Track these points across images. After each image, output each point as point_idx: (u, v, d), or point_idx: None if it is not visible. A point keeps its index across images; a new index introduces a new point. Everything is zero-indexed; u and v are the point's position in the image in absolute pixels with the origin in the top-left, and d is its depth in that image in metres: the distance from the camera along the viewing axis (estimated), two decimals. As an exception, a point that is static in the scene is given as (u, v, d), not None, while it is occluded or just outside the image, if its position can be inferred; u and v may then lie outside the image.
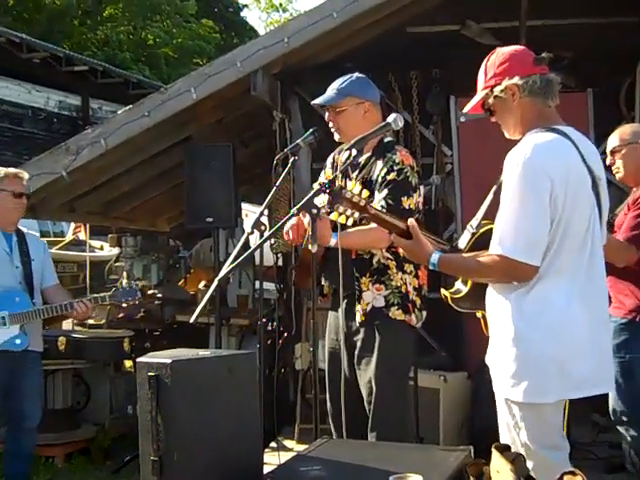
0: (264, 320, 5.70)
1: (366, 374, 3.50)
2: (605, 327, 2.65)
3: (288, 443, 4.94)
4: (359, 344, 3.49)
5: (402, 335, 3.54)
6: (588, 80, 5.65)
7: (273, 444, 4.70)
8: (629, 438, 3.55)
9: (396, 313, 3.50)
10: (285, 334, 5.32)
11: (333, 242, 3.27)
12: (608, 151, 3.68)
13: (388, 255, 3.48)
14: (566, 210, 2.46)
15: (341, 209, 2.62)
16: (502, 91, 2.58)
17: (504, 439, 2.58)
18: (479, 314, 2.72)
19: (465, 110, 2.74)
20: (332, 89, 3.61)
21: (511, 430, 2.57)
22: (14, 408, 4.23)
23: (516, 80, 2.55)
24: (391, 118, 3.19)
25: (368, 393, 3.49)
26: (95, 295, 4.23)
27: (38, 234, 4.80)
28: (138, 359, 2.67)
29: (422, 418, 4.30)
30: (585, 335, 2.51)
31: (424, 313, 3.60)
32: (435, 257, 2.60)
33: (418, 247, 2.63)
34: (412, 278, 3.50)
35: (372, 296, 3.50)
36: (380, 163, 3.49)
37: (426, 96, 5.95)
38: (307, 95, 5.76)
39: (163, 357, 2.63)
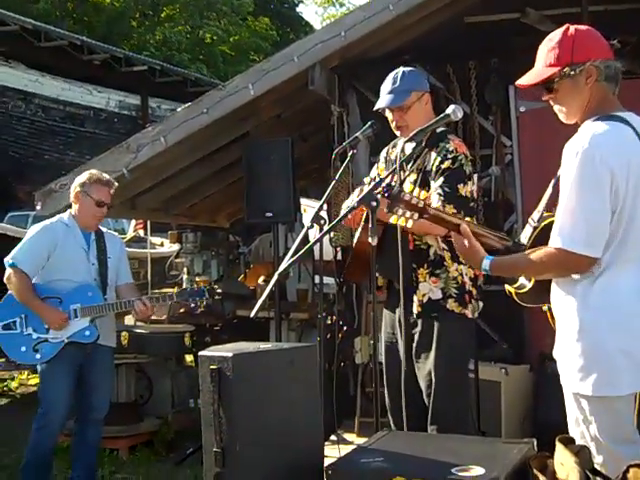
0: (324, 314, 5.71)
1: (425, 367, 3.48)
2: None
3: (348, 436, 4.94)
4: (417, 337, 3.47)
5: (460, 327, 3.52)
6: (651, 66, 5.48)
7: (333, 437, 4.70)
8: None
9: (453, 305, 3.49)
10: (345, 328, 5.32)
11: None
12: None
13: (444, 246, 3.46)
14: (628, 200, 2.40)
15: (400, 212, 2.60)
16: (581, 70, 2.45)
17: (573, 434, 2.52)
18: (545, 307, 2.67)
19: (520, 81, 2.59)
20: (392, 89, 3.59)
21: (580, 425, 2.51)
22: (83, 400, 4.33)
23: (598, 62, 2.45)
24: (450, 109, 3.17)
25: (427, 386, 3.47)
26: (159, 295, 4.29)
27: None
28: (200, 352, 2.71)
29: (483, 411, 4.25)
30: None
31: (480, 304, 3.57)
32: (486, 263, 2.57)
33: (471, 252, 2.61)
34: (468, 269, 3.47)
35: (428, 288, 3.49)
36: (434, 153, 3.48)
37: (485, 87, 5.85)
38: (365, 89, 5.74)
39: (225, 350, 2.66)
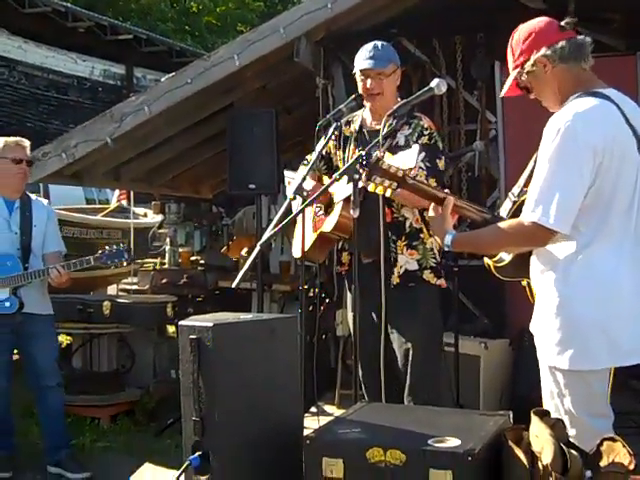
0: (306, 286, 5.72)
1: (401, 337, 3.53)
2: None
3: (328, 408, 4.98)
4: (394, 307, 3.50)
5: (436, 298, 3.62)
6: (637, 43, 5.47)
7: (313, 409, 4.73)
8: None
9: (429, 276, 3.58)
10: (327, 300, 5.34)
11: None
12: None
13: (420, 218, 3.54)
14: (611, 176, 2.42)
15: (378, 180, 2.61)
16: (532, 65, 2.55)
17: (548, 407, 2.55)
18: (524, 282, 2.69)
19: (501, 95, 2.73)
20: (372, 55, 3.63)
21: (555, 398, 2.55)
22: (29, 369, 4.37)
23: (543, 51, 2.52)
24: (434, 83, 3.18)
25: (404, 356, 3.52)
26: (76, 260, 4.22)
27: (84, 201, 4.86)
28: (180, 322, 2.72)
29: (462, 385, 4.29)
30: (633, 300, 2.48)
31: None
32: (448, 239, 2.60)
33: (438, 224, 2.64)
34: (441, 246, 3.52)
35: (405, 260, 3.57)
36: (407, 129, 3.55)
37: (471, 62, 5.85)
38: (350, 62, 5.63)
39: (205, 320, 2.67)
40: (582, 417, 2.51)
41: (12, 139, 4.39)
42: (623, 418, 4.27)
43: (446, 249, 2.67)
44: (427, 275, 3.57)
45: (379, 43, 3.68)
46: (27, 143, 4.45)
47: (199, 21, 22.57)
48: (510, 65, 2.64)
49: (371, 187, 2.66)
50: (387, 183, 2.62)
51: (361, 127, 3.76)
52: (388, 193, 2.66)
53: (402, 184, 2.62)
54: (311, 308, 5.13)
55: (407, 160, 2.77)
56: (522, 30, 2.60)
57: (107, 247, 4.30)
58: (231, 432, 2.55)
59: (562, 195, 2.39)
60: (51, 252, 4.42)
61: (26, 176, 4.41)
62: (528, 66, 2.56)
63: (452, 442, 2.25)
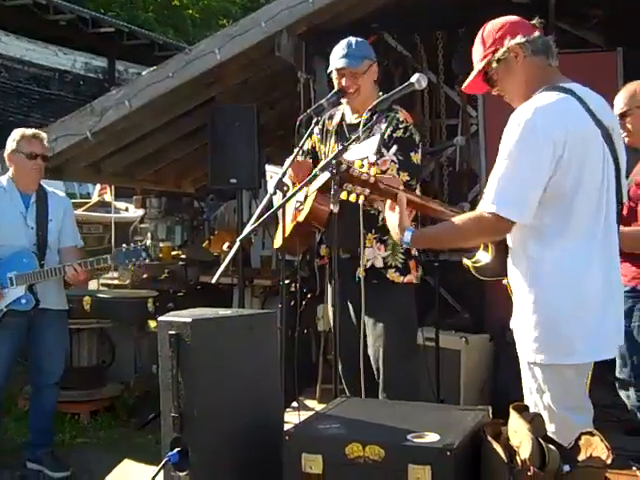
0: (287, 281, 5.71)
1: (372, 334, 3.54)
2: (620, 287, 2.63)
3: (310, 403, 4.98)
4: (363, 303, 3.50)
5: (401, 297, 3.62)
6: (618, 39, 5.51)
7: (295, 404, 4.74)
8: (630, 405, 3.51)
9: (394, 275, 3.58)
10: (309, 295, 5.33)
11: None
12: (616, 114, 3.47)
13: None
14: (572, 169, 2.42)
15: (350, 187, 2.62)
16: (505, 52, 2.53)
17: (527, 402, 2.56)
18: (505, 281, 2.70)
19: (463, 88, 2.71)
20: (346, 53, 3.63)
21: (533, 393, 2.56)
22: (34, 365, 4.34)
23: (519, 39, 2.51)
24: (414, 78, 3.18)
25: (376, 352, 3.54)
26: (93, 259, 4.15)
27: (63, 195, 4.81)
28: (159, 318, 2.70)
29: (443, 380, 4.30)
30: (605, 293, 2.50)
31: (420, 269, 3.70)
32: (407, 235, 2.58)
33: (395, 221, 2.62)
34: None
35: (373, 254, 3.58)
36: (384, 123, 3.55)
37: (452, 57, 5.86)
38: (333, 56, 5.70)
39: (184, 316, 2.66)
40: (561, 412, 2.52)
41: (30, 131, 4.30)
42: (604, 412, 4.33)
43: (405, 246, 2.67)
44: (391, 274, 3.59)
45: (353, 40, 3.67)
46: (44, 135, 4.37)
47: (181, 14, 22.45)
48: (476, 57, 2.62)
49: (343, 195, 2.67)
50: (359, 190, 2.63)
51: (341, 121, 3.77)
52: (361, 200, 2.68)
53: (374, 190, 2.62)
54: (293, 303, 5.14)
55: (367, 149, 2.78)
56: (494, 22, 2.59)
57: (124, 245, 4.20)
58: (210, 428, 2.54)
59: (520, 186, 2.39)
60: (68, 246, 4.38)
61: (41, 171, 4.33)
62: (500, 53, 2.53)
63: (431, 437, 2.25)
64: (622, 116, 3.49)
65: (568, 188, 2.43)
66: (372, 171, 2.64)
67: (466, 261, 2.72)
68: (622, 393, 3.52)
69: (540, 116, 2.40)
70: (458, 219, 2.52)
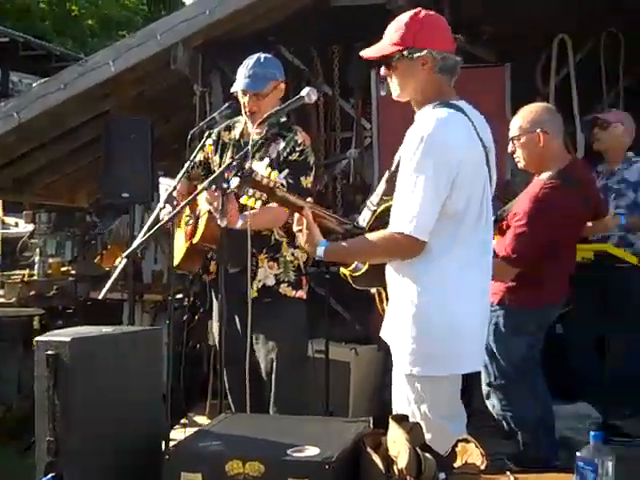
0: (180, 295, 5.64)
1: (264, 348, 3.55)
2: (488, 301, 2.70)
3: (199, 419, 4.90)
4: (254, 320, 3.50)
5: (294, 311, 3.64)
6: (507, 55, 5.72)
7: (184, 420, 4.66)
8: (495, 414, 3.64)
9: (287, 290, 3.61)
10: (201, 309, 5.28)
11: (240, 224, 3.26)
12: (509, 138, 3.59)
13: (282, 232, 3.58)
14: (465, 187, 2.47)
15: (250, 192, 2.61)
16: (417, 56, 2.51)
17: (405, 412, 2.60)
18: (373, 290, 2.74)
19: (364, 52, 2.64)
20: (251, 74, 3.61)
21: (411, 404, 2.60)
22: None
23: (436, 53, 2.51)
24: (304, 92, 3.18)
25: (267, 366, 3.54)
26: None
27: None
28: (37, 338, 2.60)
29: (333, 391, 4.28)
30: (480, 311, 2.59)
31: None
32: (320, 250, 2.59)
33: (309, 237, 2.62)
34: (302, 252, 3.59)
35: (264, 274, 3.59)
36: (282, 142, 3.57)
37: (347, 70, 5.94)
38: (229, 69, 5.67)
39: (63, 335, 2.57)
40: (438, 421, 2.57)
41: None
42: (482, 417, 4.45)
43: (318, 259, 2.67)
44: (284, 288, 3.61)
45: (262, 57, 3.66)
46: None
47: (80, 25, 21.94)
48: (394, 36, 2.54)
49: (243, 199, 2.64)
50: (258, 194, 2.62)
51: (241, 135, 3.75)
52: (258, 205, 2.66)
53: (271, 196, 2.62)
54: (185, 317, 5.08)
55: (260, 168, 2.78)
56: (426, 15, 2.54)
57: None
58: (88, 452, 2.45)
59: (428, 206, 2.42)
60: None
61: None
62: (415, 53, 2.51)
63: (311, 451, 2.25)
64: (513, 140, 3.59)
65: (460, 207, 2.48)
66: (272, 175, 2.63)
67: (343, 270, 2.74)
68: (488, 403, 3.64)
69: (441, 134, 2.43)
70: (372, 237, 2.54)
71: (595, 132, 4.74)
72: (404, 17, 2.55)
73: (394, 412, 2.59)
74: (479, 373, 3.57)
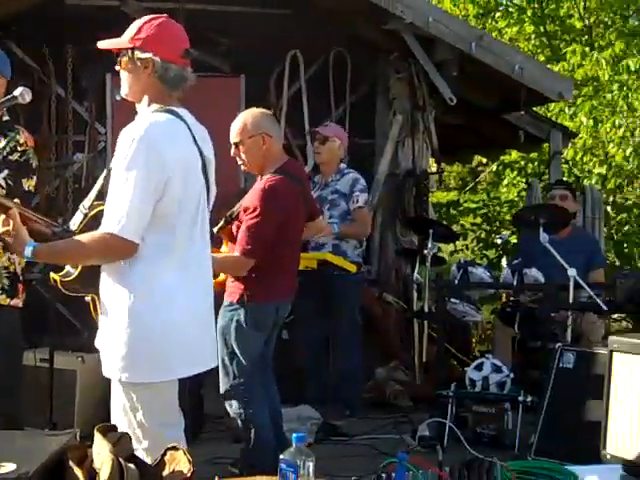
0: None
1: None
2: (210, 306, 2.73)
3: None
4: None
5: (5, 321, 3.46)
6: (242, 66, 5.85)
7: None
8: (232, 414, 3.74)
9: (1, 298, 3.42)
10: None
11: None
12: (232, 142, 3.67)
13: None
14: (178, 191, 2.49)
15: None
16: (140, 59, 2.52)
17: (120, 422, 2.56)
18: (88, 297, 2.67)
19: (100, 42, 2.62)
20: None
21: (128, 412, 2.56)
22: None
23: (158, 60, 2.52)
24: (18, 92, 3.03)
25: None
26: None
27: None
28: None
29: (58, 402, 4.11)
30: (199, 311, 2.61)
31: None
32: (29, 250, 2.49)
33: (15, 238, 2.51)
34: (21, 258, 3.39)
35: None
36: (2, 141, 3.39)
37: (82, 72, 5.76)
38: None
39: None
40: (154, 428, 2.55)
41: None
42: (216, 422, 4.51)
43: (27, 260, 2.57)
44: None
45: None
46: None
47: None
48: (128, 33, 2.56)
49: None
50: None
51: None
52: None
53: None
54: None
55: None
56: (163, 23, 2.56)
57: None
58: None
59: (138, 207, 2.41)
60: None
61: None
62: (137, 54, 2.52)
63: (8, 467, 2.12)
64: (236, 145, 3.67)
65: (173, 210, 2.49)
66: None
67: (54, 275, 2.64)
68: (226, 404, 3.70)
69: (153, 136, 2.43)
70: (83, 237, 2.47)
71: (316, 146, 4.99)
72: (143, 19, 2.59)
73: (112, 422, 2.53)
74: (214, 379, 3.63)
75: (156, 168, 2.43)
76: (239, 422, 3.65)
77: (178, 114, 2.57)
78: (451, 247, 8.85)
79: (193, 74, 2.62)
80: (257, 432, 3.61)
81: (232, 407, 3.66)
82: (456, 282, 4.95)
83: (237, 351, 3.59)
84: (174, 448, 2.32)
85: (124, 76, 2.60)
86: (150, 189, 2.42)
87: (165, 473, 2.28)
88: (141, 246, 2.45)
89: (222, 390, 3.66)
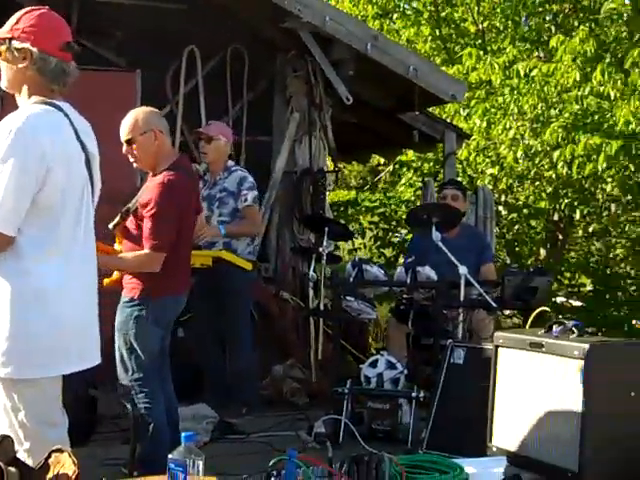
0: None
1: None
2: (95, 302, 2.70)
3: None
4: None
5: None
6: (138, 61, 5.71)
7: None
8: (130, 410, 3.68)
9: None
10: None
11: None
12: (123, 140, 3.62)
13: None
14: (59, 186, 2.46)
15: None
16: (17, 49, 2.49)
17: (0, 424, 2.50)
18: None
19: None
20: None
21: (9, 413, 2.49)
22: None
23: (36, 51, 2.49)
24: None
25: None
26: None
27: None
28: None
29: None
30: (81, 310, 2.56)
31: None
32: None
33: None
34: None
35: None
36: None
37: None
38: None
39: None
40: (36, 428, 2.50)
41: None
42: (111, 423, 4.42)
43: None
44: None
45: None
46: None
47: None
48: (8, 23, 2.53)
49: None
50: None
51: None
52: None
53: None
54: None
55: None
56: (42, 15, 2.53)
57: None
58: None
59: (13, 199, 2.38)
60: None
61: None
62: (13, 45, 2.49)
63: None
64: (128, 143, 3.61)
65: (54, 203, 2.45)
66: None
67: None
68: (124, 400, 3.65)
69: (31, 127, 2.41)
70: None
71: (202, 146, 4.94)
72: (23, 10, 2.55)
73: None
74: (111, 381, 3.56)
75: (34, 158, 2.40)
76: (138, 418, 3.60)
77: (59, 107, 2.53)
78: (349, 245, 8.96)
79: (76, 69, 2.60)
80: (154, 429, 3.57)
81: (130, 403, 3.61)
82: (351, 280, 5.01)
83: (136, 347, 3.56)
84: (59, 450, 2.26)
85: (3, 66, 2.56)
86: (27, 181, 2.39)
87: (49, 476, 2.22)
88: (19, 239, 2.42)
89: (120, 389, 3.61)
